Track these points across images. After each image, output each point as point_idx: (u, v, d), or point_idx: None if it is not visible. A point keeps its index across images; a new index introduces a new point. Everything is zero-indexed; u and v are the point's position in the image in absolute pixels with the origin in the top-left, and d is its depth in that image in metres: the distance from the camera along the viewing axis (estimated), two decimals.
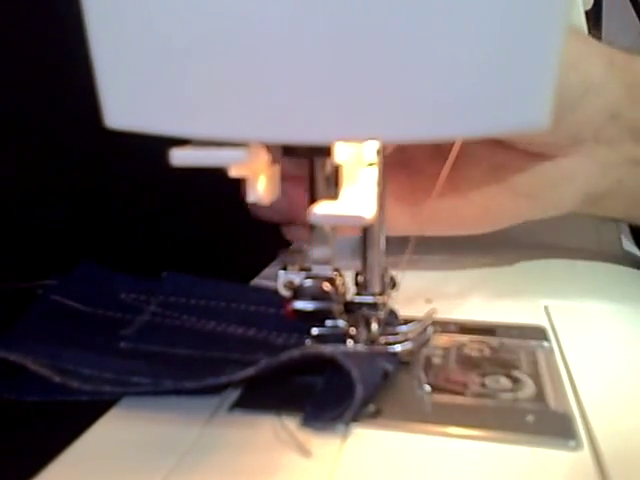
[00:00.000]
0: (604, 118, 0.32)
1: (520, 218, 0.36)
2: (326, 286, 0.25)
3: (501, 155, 0.34)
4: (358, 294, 0.27)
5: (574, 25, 0.37)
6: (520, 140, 0.33)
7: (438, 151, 0.34)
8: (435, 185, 0.33)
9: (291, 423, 0.23)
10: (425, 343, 0.28)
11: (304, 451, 0.21)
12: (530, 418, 0.22)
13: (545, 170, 0.34)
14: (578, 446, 0.21)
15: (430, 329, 0.28)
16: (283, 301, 0.26)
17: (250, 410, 0.24)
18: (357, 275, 0.28)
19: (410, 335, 0.27)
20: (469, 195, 0.35)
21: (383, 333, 0.27)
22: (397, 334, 0.28)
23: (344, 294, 0.26)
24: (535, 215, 0.36)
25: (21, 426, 0.26)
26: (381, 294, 0.27)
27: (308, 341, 0.27)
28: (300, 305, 0.26)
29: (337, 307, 0.26)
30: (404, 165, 0.36)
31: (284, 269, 0.26)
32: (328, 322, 0.26)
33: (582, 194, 0.35)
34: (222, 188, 0.27)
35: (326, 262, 0.26)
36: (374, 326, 0.27)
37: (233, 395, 0.25)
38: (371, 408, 0.23)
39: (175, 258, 0.45)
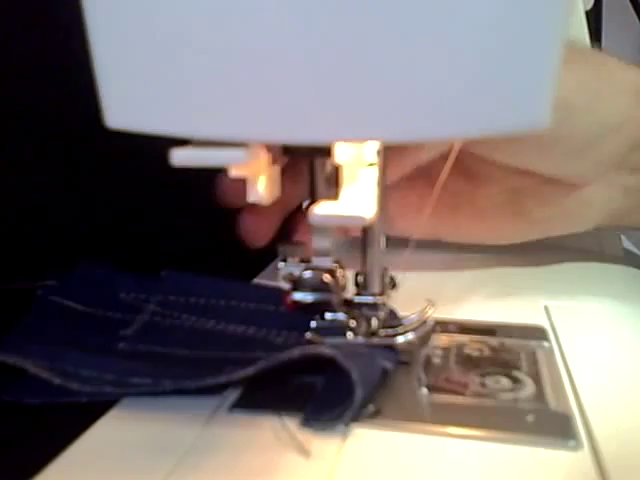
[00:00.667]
0: (626, 150, 0.32)
1: (532, 238, 0.37)
2: (326, 278, 0.25)
3: (518, 180, 0.34)
4: (358, 294, 0.27)
5: (593, 55, 0.37)
6: (537, 169, 0.33)
7: (460, 169, 0.34)
8: (454, 201, 0.34)
9: (291, 423, 0.23)
10: (426, 336, 0.28)
11: (304, 451, 0.21)
12: (530, 418, 0.22)
13: (562, 198, 0.34)
14: (578, 446, 0.21)
15: (430, 321, 0.28)
16: (282, 297, 0.26)
17: (250, 410, 0.24)
18: (357, 275, 0.28)
19: (410, 327, 0.27)
20: (485, 212, 0.36)
21: (383, 327, 0.27)
22: (398, 326, 0.28)
23: (344, 286, 0.26)
24: (548, 235, 0.36)
25: (21, 426, 0.26)
26: (381, 294, 0.27)
27: (308, 334, 0.27)
28: (300, 297, 0.26)
29: (337, 299, 0.26)
30: (426, 177, 0.36)
31: (284, 261, 0.26)
32: (328, 315, 0.26)
33: (602, 216, 0.35)
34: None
35: (326, 254, 0.26)
36: (374, 321, 0.27)
37: (233, 395, 0.25)
38: (371, 408, 0.23)
39: (175, 258, 0.45)
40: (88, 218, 0.38)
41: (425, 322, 0.28)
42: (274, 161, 0.22)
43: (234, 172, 0.21)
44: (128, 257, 0.41)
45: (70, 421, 0.22)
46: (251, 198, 0.22)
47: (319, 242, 0.25)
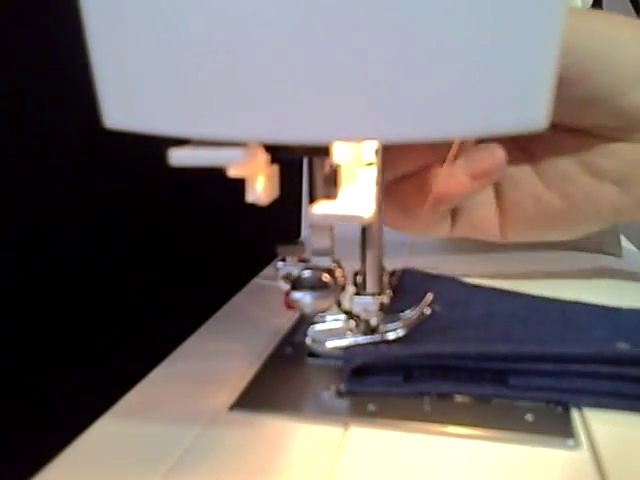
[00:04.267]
0: None
1: (610, 211, 0.33)
2: (325, 277, 0.25)
3: (584, 141, 0.33)
4: (357, 294, 0.28)
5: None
6: (591, 126, 0.31)
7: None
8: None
9: (291, 423, 0.23)
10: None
11: (304, 451, 0.21)
12: (529, 417, 0.22)
13: (629, 153, 0.32)
14: (577, 445, 0.21)
15: (427, 310, 0.28)
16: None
17: (250, 410, 0.24)
18: (356, 275, 0.28)
19: (408, 321, 0.28)
20: (553, 184, 0.33)
21: (383, 321, 0.28)
22: (397, 320, 0.28)
23: (343, 285, 0.26)
24: (626, 205, 0.33)
25: (21, 426, 0.26)
26: (380, 294, 0.27)
27: (308, 338, 0.27)
28: (299, 296, 0.26)
29: (336, 298, 0.26)
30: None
31: (283, 261, 0.26)
32: (328, 315, 0.27)
33: None
34: (222, 188, 0.27)
35: (325, 253, 0.26)
36: (373, 320, 0.27)
37: (233, 395, 0.25)
38: (371, 408, 0.23)
39: (175, 258, 0.45)
40: (88, 218, 0.38)
41: (422, 314, 0.28)
42: (272, 161, 0.22)
43: (233, 172, 0.21)
44: (128, 257, 0.41)
45: (70, 421, 0.22)
46: (249, 198, 0.22)
47: (318, 242, 0.25)
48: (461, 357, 0.25)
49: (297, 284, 0.25)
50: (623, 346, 0.26)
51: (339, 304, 0.27)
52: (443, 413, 0.23)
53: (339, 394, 0.25)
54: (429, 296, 0.29)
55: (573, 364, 0.24)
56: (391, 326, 0.28)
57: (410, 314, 0.28)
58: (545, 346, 0.25)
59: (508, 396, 0.24)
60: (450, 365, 0.25)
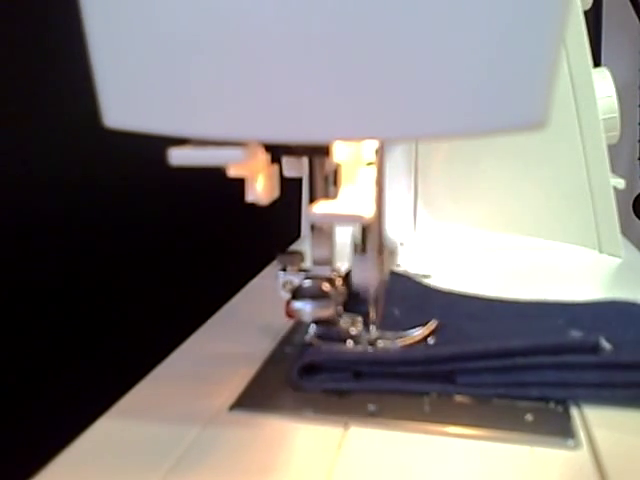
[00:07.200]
0: None
1: None
2: (325, 286, 0.25)
3: None
4: (356, 302, 0.28)
5: None
6: None
7: None
8: None
9: (291, 423, 0.23)
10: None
11: (304, 451, 0.21)
12: (529, 417, 0.22)
13: None
14: (577, 445, 0.21)
15: (431, 339, 0.28)
16: None
17: (250, 410, 0.24)
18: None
19: (410, 340, 0.28)
20: None
21: (382, 336, 0.27)
22: (400, 338, 0.28)
23: (343, 294, 0.26)
24: None
25: (21, 425, 0.26)
26: (377, 301, 0.27)
27: (308, 339, 0.27)
28: (299, 305, 0.26)
29: (336, 307, 0.26)
30: None
31: (283, 270, 0.26)
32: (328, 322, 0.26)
33: None
34: (222, 188, 0.27)
35: (325, 263, 0.26)
36: (372, 329, 0.27)
37: (233, 395, 0.25)
38: (371, 408, 0.23)
39: (175, 258, 0.45)
40: (88, 218, 0.38)
41: (426, 339, 0.28)
42: (272, 161, 0.22)
43: (233, 172, 0.20)
44: (127, 258, 0.41)
45: (70, 421, 0.22)
46: (249, 198, 0.22)
47: (318, 251, 0.25)
48: (409, 362, 0.25)
49: (297, 293, 0.25)
50: (576, 334, 0.26)
51: (340, 312, 0.27)
52: (443, 413, 0.23)
53: (339, 394, 0.25)
54: (433, 323, 0.29)
55: (519, 358, 0.24)
56: (387, 342, 0.28)
57: (414, 333, 0.28)
58: (494, 342, 0.25)
59: (452, 392, 0.24)
60: (397, 371, 0.25)
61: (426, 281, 0.35)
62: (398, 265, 0.45)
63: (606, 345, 0.24)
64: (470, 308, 0.32)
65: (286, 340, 0.30)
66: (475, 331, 0.28)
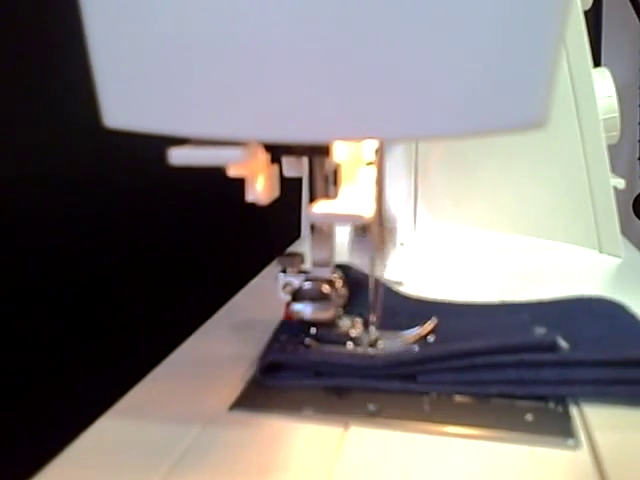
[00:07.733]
0: None
1: None
2: (325, 288, 0.25)
3: None
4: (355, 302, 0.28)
5: None
6: None
7: None
8: None
9: (291, 423, 0.23)
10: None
11: (304, 451, 0.21)
12: (529, 417, 0.22)
13: None
14: (577, 445, 0.21)
15: (430, 337, 0.28)
16: None
17: (250, 410, 0.24)
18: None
19: (408, 340, 0.28)
20: None
21: (382, 337, 0.27)
22: (399, 338, 0.28)
23: (343, 296, 0.26)
24: None
25: (21, 425, 0.26)
26: (376, 301, 0.27)
27: (307, 341, 0.27)
28: (299, 307, 0.26)
29: (336, 309, 0.26)
30: None
31: (283, 272, 0.26)
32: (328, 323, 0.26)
33: None
34: (222, 188, 0.27)
35: (325, 264, 0.26)
36: (372, 330, 0.27)
37: (233, 395, 0.25)
38: (371, 408, 0.23)
39: (175, 258, 0.45)
40: (89, 219, 0.38)
41: (425, 337, 0.28)
42: (272, 160, 0.22)
43: (232, 171, 0.20)
44: (127, 257, 0.41)
45: (70, 421, 0.22)
46: (249, 198, 0.22)
47: (318, 252, 0.25)
48: (369, 367, 0.25)
49: (297, 295, 0.25)
50: (540, 331, 0.27)
51: (340, 314, 0.27)
52: (443, 413, 0.23)
53: (339, 394, 0.25)
54: (432, 321, 0.29)
55: (478, 357, 0.24)
56: (389, 343, 0.27)
57: (411, 334, 0.28)
58: (456, 344, 0.25)
59: (414, 391, 0.24)
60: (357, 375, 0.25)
61: (398, 288, 0.35)
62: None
63: (563, 343, 0.25)
64: (438, 310, 0.32)
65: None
66: (452, 329, 0.29)
